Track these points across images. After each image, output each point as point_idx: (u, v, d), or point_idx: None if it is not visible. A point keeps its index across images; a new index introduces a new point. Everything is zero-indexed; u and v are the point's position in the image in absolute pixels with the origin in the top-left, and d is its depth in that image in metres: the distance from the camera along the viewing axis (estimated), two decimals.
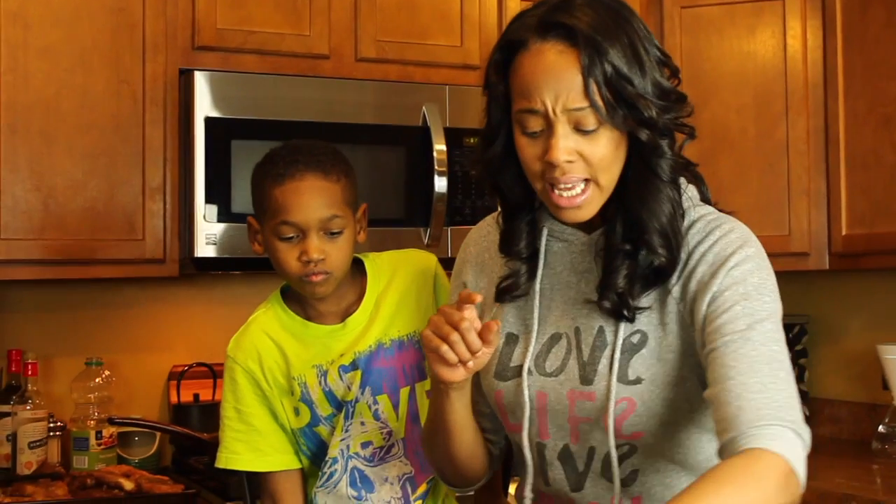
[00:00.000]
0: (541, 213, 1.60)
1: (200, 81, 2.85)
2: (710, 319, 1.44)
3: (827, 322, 3.56)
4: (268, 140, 2.86)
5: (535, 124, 1.46)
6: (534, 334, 1.57)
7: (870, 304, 3.48)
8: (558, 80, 1.43)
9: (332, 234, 1.83)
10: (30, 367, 2.95)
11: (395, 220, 3.03)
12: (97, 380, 3.02)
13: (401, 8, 3.17)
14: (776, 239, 3.16)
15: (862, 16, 3.17)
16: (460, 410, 1.58)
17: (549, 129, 1.45)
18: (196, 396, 3.15)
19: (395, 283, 1.94)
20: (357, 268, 1.95)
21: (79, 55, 2.82)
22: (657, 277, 1.50)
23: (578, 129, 1.45)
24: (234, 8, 2.98)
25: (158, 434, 3.10)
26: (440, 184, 3.02)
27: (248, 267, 3.00)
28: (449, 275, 1.85)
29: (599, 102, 1.43)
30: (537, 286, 1.59)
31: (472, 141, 3.11)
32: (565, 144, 1.44)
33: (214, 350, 3.08)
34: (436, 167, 3.02)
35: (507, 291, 1.61)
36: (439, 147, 3.03)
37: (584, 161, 1.46)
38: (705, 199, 1.60)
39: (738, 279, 1.46)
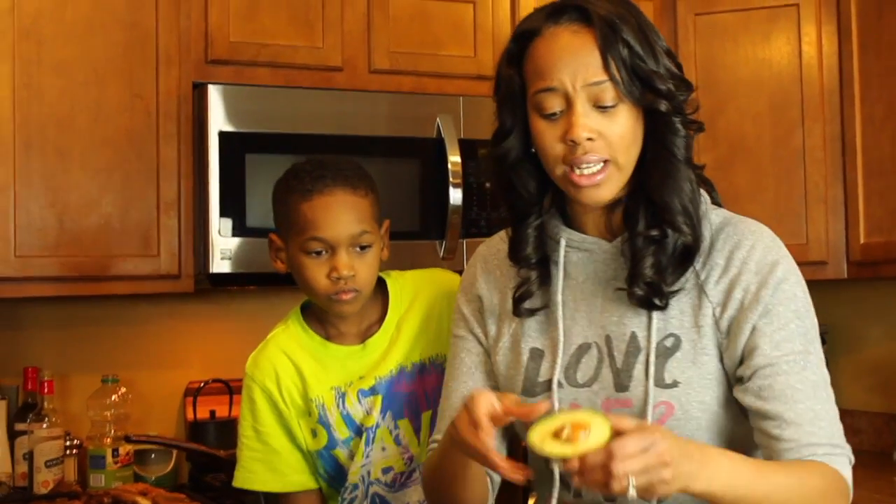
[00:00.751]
0: (552, 220, 1.60)
1: (214, 95, 2.84)
2: (762, 332, 1.48)
3: (846, 331, 3.54)
4: (282, 154, 2.88)
5: (554, 104, 1.47)
6: (560, 346, 1.55)
7: (889, 312, 3.45)
8: (576, 56, 1.46)
9: (362, 248, 1.82)
10: (46, 384, 2.94)
11: (411, 232, 3.02)
12: (113, 397, 3.01)
13: (413, 19, 3.16)
14: (794, 248, 3.09)
15: (878, 21, 3.15)
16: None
17: (568, 108, 1.47)
18: (212, 413, 3.13)
19: (418, 304, 1.92)
20: (379, 287, 1.92)
21: (92, 70, 2.81)
22: (686, 257, 1.51)
23: (598, 105, 1.46)
24: (247, 21, 2.98)
25: (175, 451, 3.09)
26: (455, 196, 3.01)
27: (263, 282, 2.98)
28: None
29: (618, 75, 1.45)
30: (559, 297, 1.57)
31: (486, 152, 3.10)
32: (585, 122, 1.46)
33: (231, 366, 3.07)
34: (451, 179, 3.01)
35: (523, 300, 1.59)
36: (454, 159, 3.02)
37: (604, 140, 1.47)
38: (715, 203, 1.61)
39: (790, 295, 1.49)
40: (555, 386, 1.54)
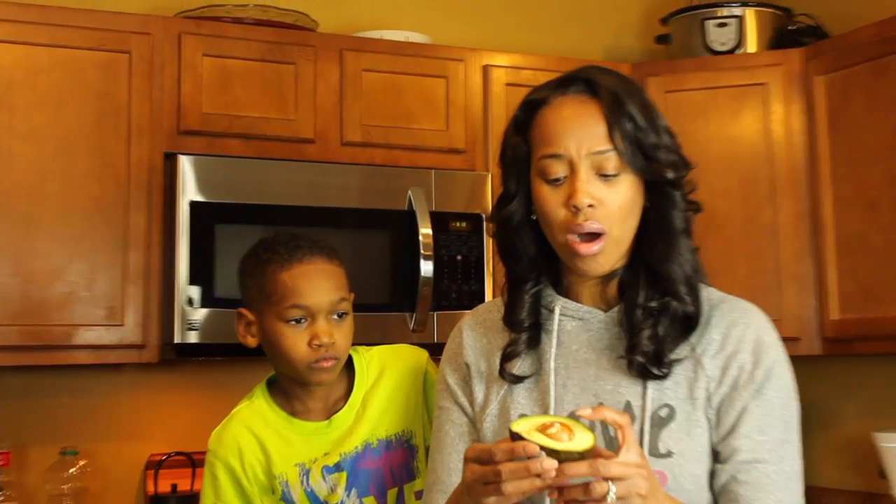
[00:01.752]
0: (546, 289, 1.61)
1: (185, 165, 2.83)
2: (751, 414, 1.50)
3: (820, 408, 3.53)
4: (252, 224, 2.87)
5: (558, 170, 1.50)
6: (551, 413, 1.55)
7: (864, 389, 3.45)
8: (582, 125, 1.51)
9: (339, 316, 1.84)
10: (2, 456, 2.88)
11: (381, 304, 3.00)
12: (72, 470, 2.95)
13: (386, 92, 3.18)
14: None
15: (844, 101, 3.19)
16: None
17: (572, 174, 1.50)
18: (174, 487, 3.07)
19: (384, 380, 1.92)
20: (344, 363, 1.91)
21: (63, 139, 2.80)
22: (687, 327, 1.52)
23: (600, 174, 1.50)
24: (220, 93, 2.98)
25: None
26: (426, 268, 3.00)
27: (230, 353, 2.93)
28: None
29: (621, 145, 1.49)
30: (551, 364, 1.57)
31: (458, 225, 3.11)
32: (588, 188, 1.49)
33: (194, 438, 3.02)
34: (422, 251, 3.00)
35: (509, 359, 1.59)
36: (425, 231, 3.01)
37: (603, 209, 1.50)
38: (702, 282, 1.62)
39: (780, 380, 1.53)
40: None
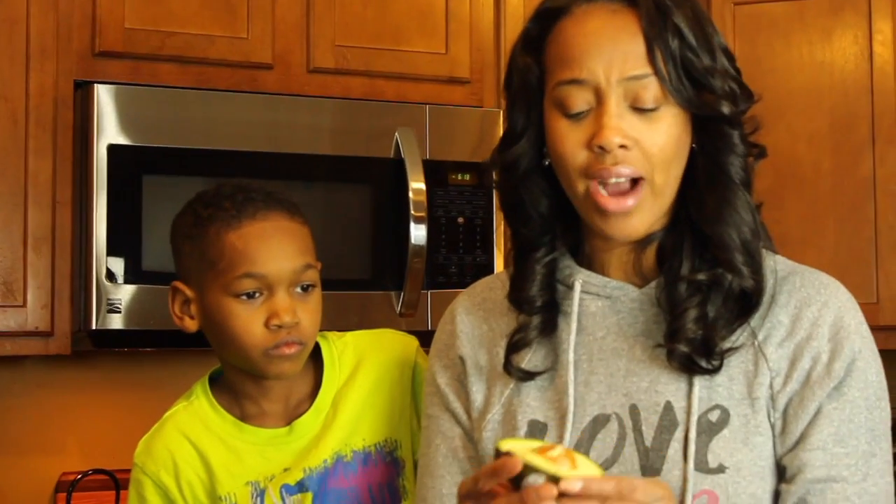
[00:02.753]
0: (562, 259, 1.63)
1: (103, 97, 2.87)
2: (828, 419, 1.51)
3: None
4: (190, 175, 2.90)
5: (581, 100, 1.51)
6: (569, 418, 1.56)
7: None
8: (614, 42, 1.50)
9: (304, 289, 1.84)
10: None
11: (359, 281, 3.04)
12: None
13: (367, 3, 3.21)
14: (860, 308, 3.16)
15: None
16: None
17: (598, 105, 1.50)
18: None
19: (361, 375, 1.93)
20: (312, 352, 1.93)
21: None
22: (745, 307, 1.54)
23: (635, 106, 1.50)
24: (148, 2, 3.01)
25: None
26: (418, 234, 3.03)
27: (162, 343, 2.99)
28: None
29: (665, 69, 1.49)
30: (570, 356, 1.59)
31: (459, 178, 3.13)
32: (619, 124, 1.49)
33: (117, 453, 3.07)
34: (412, 212, 3.03)
35: (517, 349, 1.61)
36: (416, 185, 3.05)
37: (640, 150, 1.50)
38: (770, 249, 1.64)
39: (865, 375, 1.53)
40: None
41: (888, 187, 3.31)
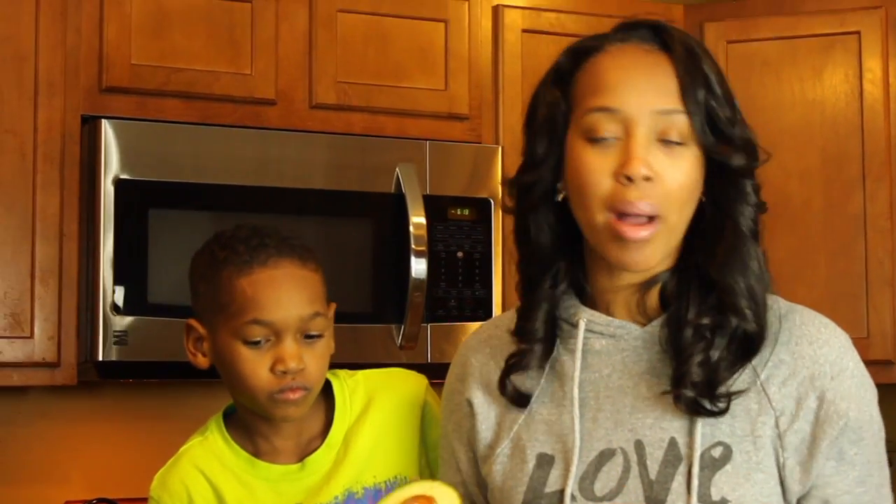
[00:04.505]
0: (567, 299, 1.64)
1: (109, 132, 2.88)
2: (843, 460, 1.54)
3: None
4: (195, 210, 2.92)
5: (610, 128, 1.53)
6: (576, 451, 1.58)
7: None
8: (647, 77, 1.54)
9: (310, 337, 1.85)
10: None
11: (359, 314, 3.04)
12: None
13: (368, 41, 3.23)
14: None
15: None
16: None
17: (627, 137, 1.52)
18: None
19: (372, 413, 1.94)
20: (324, 390, 1.94)
21: None
22: (747, 350, 1.55)
23: (662, 139, 1.52)
24: (154, 38, 3.03)
25: None
26: (418, 267, 3.05)
27: (168, 374, 2.99)
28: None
29: (695, 108, 1.52)
30: (575, 392, 1.60)
31: (459, 212, 3.14)
32: (646, 155, 1.51)
33: (122, 482, 3.08)
34: (412, 246, 3.05)
35: (512, 371, 1.63)
36: (417, 220, 3.06)
37: (660, 186, 1.51)
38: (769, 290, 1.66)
39: (869, 411, 1.56)
40: (567, 499, 1.57)
41: (878, 224, 3.33)
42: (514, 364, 1.64)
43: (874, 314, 3.30)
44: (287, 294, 1.83)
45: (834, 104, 3.39)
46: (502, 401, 1.67)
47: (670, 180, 1.52)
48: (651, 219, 1.53)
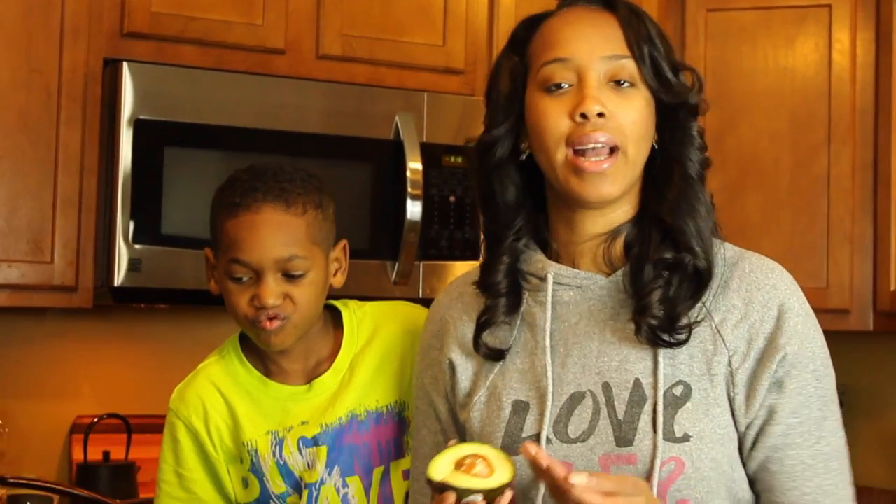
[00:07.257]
0: (533, 255, 1.69)
1: (129, 75, 2.92)
2: (782, 392, 1.59)
3: (869, 394, 3.65)
4: (207, 148, 2.97)
5: (564, 75, 1.59)
6: (549, 396, 1.62)
7: None
8: (595, 28, 1.62)
9: (292, 276, 1.89)
10: None
11: (358, 251, 3.01)
12: None
13: None
14: (811, 292, 3.13)
15: None
16: None
17: (579, 81, 1.59)
18: (106, 455, 3.17)
19: (377, 342, 2.00)
20: (333, 318, 2.01)
21: None
22: (698, 285, 1.61)
23: (613, 80, 1.59)
24: None
25: (57, 498, 3.11)
26: (413, 209, 3.11)
27: (177, 300, 3.07)
28: None
29: (640, 53, 1.60)
30: (547, 341, 1.65)
31: (453, 160, 3.19)
32: (598, 95, 1.58)
33: (131, 399, 3.15)
34: (409, 189, 3.11)
35: (485, 327, 1.67)
36: (414, 165, 3.12)
37: (615, 121, 1.58)
38: (717, 236, 1.70)
39: (811, 349, 1.61)
40: (543, 442, 1.62)
41: (841, 183, 3.38)
42: (484, 322, 1.68)
43: (834, 267, 3.36)
44: (262, 237, 1.86)
45: (804, 71, 3.44)
46: (476, 369, 1.71)
47: (623, 116, 1.58)
48: (612, 151, 1.58)
